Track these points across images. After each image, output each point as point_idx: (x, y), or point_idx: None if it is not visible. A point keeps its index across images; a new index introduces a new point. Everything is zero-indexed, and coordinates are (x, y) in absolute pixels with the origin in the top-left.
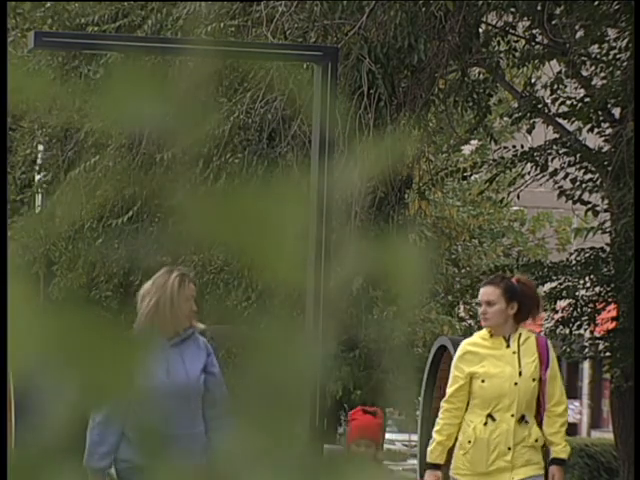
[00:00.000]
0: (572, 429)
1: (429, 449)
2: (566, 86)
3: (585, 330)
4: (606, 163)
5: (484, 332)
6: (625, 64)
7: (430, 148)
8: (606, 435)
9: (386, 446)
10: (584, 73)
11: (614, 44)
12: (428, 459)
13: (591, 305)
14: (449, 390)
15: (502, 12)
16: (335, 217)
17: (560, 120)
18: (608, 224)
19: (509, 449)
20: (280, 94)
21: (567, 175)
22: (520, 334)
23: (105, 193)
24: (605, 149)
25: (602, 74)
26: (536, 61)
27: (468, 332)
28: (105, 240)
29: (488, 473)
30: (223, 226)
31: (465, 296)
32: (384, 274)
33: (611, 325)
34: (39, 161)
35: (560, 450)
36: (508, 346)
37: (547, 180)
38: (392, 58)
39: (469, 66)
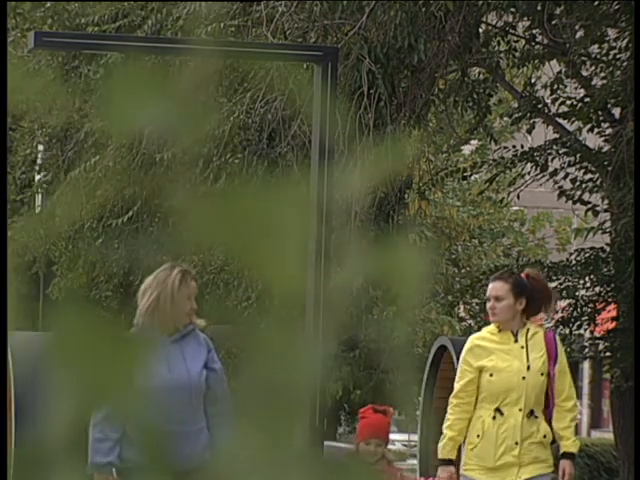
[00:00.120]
0: None
1: (440, 445)
2: (566, 86)
3: (585, 330)
4: (606, 163)
5: (492, 327)
6: (625, 64)
7: (430, 148)
8: (606, 435)
9: None
10: (584, 73)
11: (614, 44)
12: (440, 455)
13: (591, 305)
14: (458, 385)
15: (502, 12)
16: (335, 217)
17: (560, 120)
18: (608, 224)
19: (516, 444)
20: (280, 94)
21: (567, 175)
22: (528, 329)
23: (105, 193)
24: (605, 149)
25: (602, 74)
26: (536, 61)
27: (468, 332)
28: (105, 240)
29: (496, 468)
30: (222, 226)
31: (465, 296)
32: (384, 274)
33: (611, 325)
34: (39, 161)
35: (570, 444)
36: (516, 341)
37: (547, 180)
38: (392, 58)
39: (469, 66)
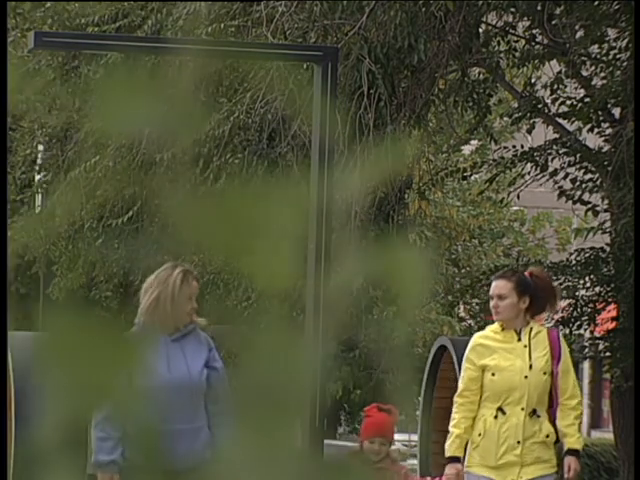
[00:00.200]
0: None
1: (447, 443)
2: (566, 86)
3: (585, 330)
4: (606, 163)
5: (496, 326)
6: (625, 64)
7: (430, 148)
8: (606, 435)
9: None
10: (584, 73)
11: (614, 44)
12: (447, 453)
13: (591, 305)
14: (461, 384)
15: (502, 12)
16: (335, 217)
17: (560, 120)
18: (608, 224)
19: (518, 443)
20: (280, 94)
21: (567, 175)
22: (531, 328)
23: (105, 193)
24: (605, 149)
25: (602, 74)
26: (536, 61)
27: (468, 332)
28: (105, 240)
29: (497, 467)
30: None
31: (465, 296)
32: (384, 274)
33: (611, 325)
34: (39, 161)
35: (574, 441)
36: (519, 339)
37: (547, 180)
38: (392, 58)
39: (469, 66)
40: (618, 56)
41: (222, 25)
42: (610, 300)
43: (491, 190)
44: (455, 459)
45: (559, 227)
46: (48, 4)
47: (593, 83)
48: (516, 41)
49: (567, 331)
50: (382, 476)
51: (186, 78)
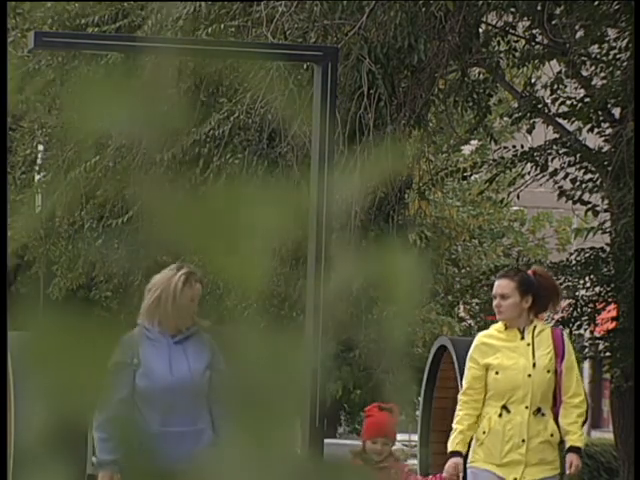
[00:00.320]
0: None
1: (450, 439)
2: (566, 86)
3: (585, 330)
4: (606, 163)
5: (499, 325)
6: (625, 64)
7: (430, 148)
8: (606, 435)
9: None
10: (584, 73)
11: (614, 44)
12: (449, 448)
13: (591, 305)
14: (465, 383)
15: (502, 12)
16: (335, 217)
17: (560, 120)
18: (608, 224)
19: (523, 441)
20: (280, 94)
21: (567, 175)
22: (535, 326)
23: (105, 193)
24: (605, 149)
25: (602, 74)
26: (536, 61)
27: (468, 332)
28: (105, 240)
29: (501, 465)
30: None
31: (465, 296)
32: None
33: (611, 325)
34: (39, 161)
35: (576, 439)
36: (522, 338)
37: (547, 180)
38: (392, 58)
39: (469, 66)
40: (618, 56)
41: (222, 25)
42: (610, 300)
43: (491, 190)
44: (456, 454)
45: (559, 227)
46: (48, 4)
47: (593, 83)
48: (516, 41)
49: (567, 331)
50: (386, 476)
51: (186, 78)
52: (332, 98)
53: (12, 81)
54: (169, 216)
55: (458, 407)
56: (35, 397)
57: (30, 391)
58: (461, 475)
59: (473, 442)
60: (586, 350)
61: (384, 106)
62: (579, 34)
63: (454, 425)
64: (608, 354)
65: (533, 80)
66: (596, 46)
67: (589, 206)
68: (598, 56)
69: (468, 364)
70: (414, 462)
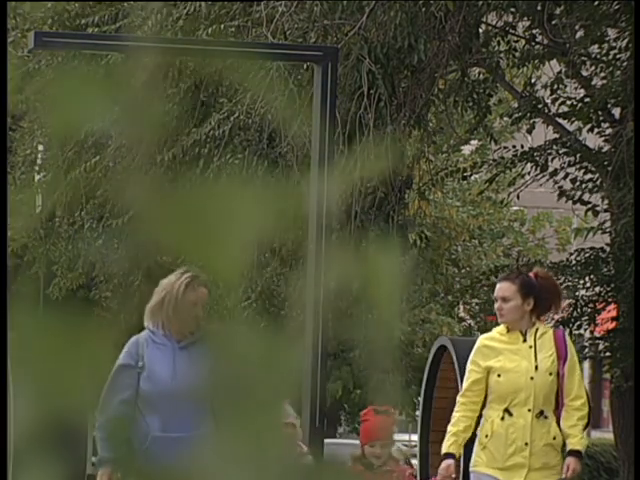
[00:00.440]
0: None
1: (444, 440)
2: (566, 86)
3: (585, 330)
4: (606, 163)
5: (501, 327)
6: (625, 64)
7: (430, 148)
8: (606, 435)
9: None
10: (584, 73)
11: (614, 44)
12: (442, 450)
13: (591, 305)
14: (465, 384)
15: (502, 12)
16: (335, 217)
17: (560, 120)
18: (608, 224)
19: (526, 445)
20: (280, 94)
21: (567, 175)
22: (537, 329)
23: (105, 193)
24: (605, 149)
25: (602, 74)
26: (536, 61)
27: (468, 332)
28: (105, 240)
29: (504, 468)
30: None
31: (465, 296)
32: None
33: (611, 325)
34: (39, 161)
35: (577, 442)
36: (524, 341)
37: (547, 180)
38: (392, 58)
39: (469, 66)
40: (618, 56)
41: (222, 25)
42: (610, 300)
43: (491, 190)
44: (450, 455)
45: (559, 227)
46: (48, 4)
47: (593, 83)
48: (516, 41)
49: (567, 331)
50: (388, 479)
51: (186, 78)
52: (332, 98)
53: (12, 81)
54: (168, 216)
55: (455, 409)
56: (35, 397)
57: (30, 391)
58: (454, 476)
59: (475, 446)
60: (586, 350)
61: (384, 106)
62: (579, 34)
63: (449, 427)
64: (608, 354)
65: (533, 80)
66: (596, 46)
67: (589, 206)
68: (598, 56)
69: (469, 366)
70: (414, 462)
